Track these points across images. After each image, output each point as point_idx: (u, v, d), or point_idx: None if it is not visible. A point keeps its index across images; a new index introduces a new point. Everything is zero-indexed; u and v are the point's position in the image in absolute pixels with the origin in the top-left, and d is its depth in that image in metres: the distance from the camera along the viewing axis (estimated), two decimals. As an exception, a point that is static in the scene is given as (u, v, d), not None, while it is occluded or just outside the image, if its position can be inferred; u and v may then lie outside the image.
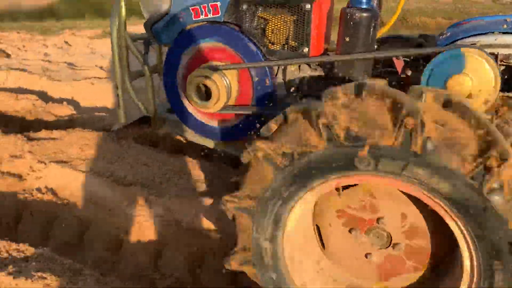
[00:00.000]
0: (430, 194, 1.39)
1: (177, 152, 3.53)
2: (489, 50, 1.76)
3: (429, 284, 1.75)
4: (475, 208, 1.33)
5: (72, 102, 5.05)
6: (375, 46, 2.04)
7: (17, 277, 2.05)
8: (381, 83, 1.54)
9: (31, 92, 5.28)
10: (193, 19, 2.19)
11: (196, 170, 3.12)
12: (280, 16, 2.04)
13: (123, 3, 2.28)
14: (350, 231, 1.81)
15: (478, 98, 1.73)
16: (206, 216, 2.62)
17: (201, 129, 2.40)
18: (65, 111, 4.62)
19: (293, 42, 2.06)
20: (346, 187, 1.76)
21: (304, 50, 2.03)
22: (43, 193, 2.98)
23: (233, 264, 1.83)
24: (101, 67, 6.49)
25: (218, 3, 2.11)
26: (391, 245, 1.75)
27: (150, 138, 3.82)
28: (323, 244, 1.91)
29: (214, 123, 2.33)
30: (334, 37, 2.07)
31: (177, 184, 2.95)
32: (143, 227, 2.65)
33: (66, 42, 8.98)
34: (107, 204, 2.80)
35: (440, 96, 1.42)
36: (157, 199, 2.75)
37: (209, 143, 2.46)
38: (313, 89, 2.20)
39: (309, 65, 2.23)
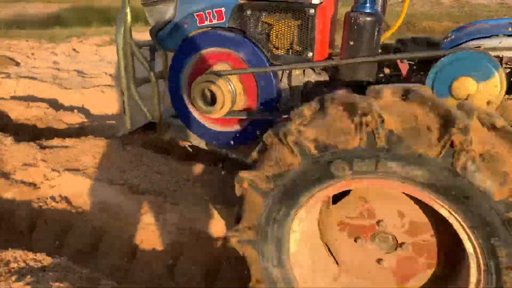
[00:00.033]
0: (411, 186, 1.41)
1: (188, 159, 3.54)
2: (493, 53, 1.76)
3: (450, 280, 1.73)
4: (455, 189, 1.34)
5: (82, 110, 5.09)
6: (379, 50, 2.04)
7: (34, 287, 2.04)
8: (341, 92, 1.58)
9: (42, 100, 5.33)
10: (198, 25, 2.21)
11: (208, 177, 3.13)
12: (284, 21, 2.05)
13: (128, 11, 2.31)
14: (355, 241, 1.81)
15: (483, 101, 1.72)
16: (221, 223, 2.62)
17: (206, 134, 2.41)
18: (76, 119, 4.65)
19: (297, 47, 2.06)
20: (339, 199, 1.78)
21: (309, 55, 2.03)
22: (57, 202, 2.97)
23: None
24: (110, 75, 6.54)
25: (223, 9, 2.12)
26: (398, 246, 1.74)
27: (162, 145, 3.84)
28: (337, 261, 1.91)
29: (219, 128, 2.34)
30: (338, 41, 2.07)
31: (190, 192, 2.95)
32: (158, 235, 2.64)
33: (74, 50, 9.07)
34: (121, 212, 2.80)
35: (398, 90, 1.46)
36: (171, 207, 2.75)
37: (214, 148, 2.47)
38: (317, 93, 2.20)
39: (313, 70, 2.23)
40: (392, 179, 1.42)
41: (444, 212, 1.42)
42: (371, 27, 1.86)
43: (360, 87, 1.82)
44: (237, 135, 2.29)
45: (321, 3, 1.97)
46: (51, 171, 3.20)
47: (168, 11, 2.28)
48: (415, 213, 1.68)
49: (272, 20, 2.08)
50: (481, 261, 1.42)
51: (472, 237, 1.39)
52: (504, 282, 1.39)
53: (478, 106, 1.47)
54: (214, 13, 2.14)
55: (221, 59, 2.19)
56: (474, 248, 1.42)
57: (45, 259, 2.28)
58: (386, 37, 2.46)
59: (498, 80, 1.69)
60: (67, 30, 12.38)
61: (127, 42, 2.36)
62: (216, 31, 2.18)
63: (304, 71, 2.22)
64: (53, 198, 3.00)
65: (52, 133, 4.28)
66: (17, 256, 2.29)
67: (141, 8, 2.40)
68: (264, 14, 2.09)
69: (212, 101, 2.14)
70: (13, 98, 5.43)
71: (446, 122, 1.31)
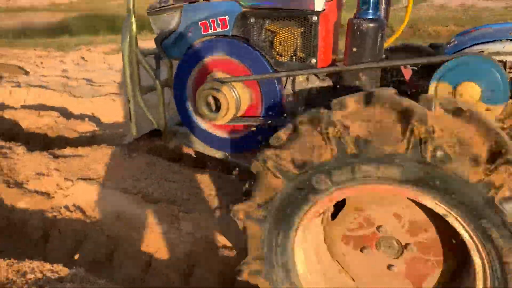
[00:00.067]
0: (390, 185, 1.44)
1: (200, 167, 3.54)
2: (497, 58, 1.75)
3: (465, 274, 1.71)
4: (431, 179, 1.36)
5: (93, 118, 5.12)
6: (383, 56, 2.05)
7: (52, 298, 2.03)
8: (303, 117, 1.61)
9: (52, 108, 5.37)
10: (202, 33, 2.23)
11: (221, 184, 3.13)
12: (287, 28, 2.07)
13: (133, 20, 2.33)
14: (362, 251, 1.81)
15: (486, 105, 1.72)
16: (237, 232, 2.62)
17: (211, 140, 2.42)
18: (87, 127, 4.66)
19: (301, 54, 2.08)
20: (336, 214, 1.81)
21: (312, 61, 2.05)
22: (71, 211, 2.96)
23: None
24: (119, 83, 6.58)
25: (226, 17, 2.15)
26: (404, 248, 1.74)
27: (172, 152, 3.85)
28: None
29: (223, 135, 2.36)
30: (341, 46, 2.08)
31: (204, 200, 2.94)
32: (173, 244, 2.63)
33: (83, 58, 9.17)
34: (136, 222, 2.79)
35: (360, 97, 1.51)
36: (186, 215, 2.75)
37: (219, 155, 2.48)
38: (321, 99, 2.21)
39: (317, 76, 2.24)
40: (371, 182, 1.46)
41: (430, 203, 1.43)
42: (374, 34, 1.87)
43: None
44: (242, 141, 2.31)
45: (323, 10, 1.98)
46: (65, 180, 3.21)
47: (173, 20, 2.31)
48: (411, 212, 1.69)
49: (275, 28, 2.10)
50: (479, 247, 1.41)
51: (464, 224, 1.40)
52: (507, 263, 1.37)
53: (438, 96, 1.53)
54: (218, 21, 2.17)
55: (225, 66, 2.21)
56: (469, 234, 1.42)
57: (62, 270, 2.27)
58: (391, 42, 2.47)
59: (501, 85, 1.68)
60: (74, 39, 12.52)
61: (133, 50, 2.38)
62: (220, 39, 2.20)
63: (307, 77, 2.23)
64: (66, 207, 2.99)
65: (63, 141, 4.30)
66: (34, 267, 2.27)
67: (146, 16, 2.43)
68: (267, 22, 2.11)
69: (217, 108, 2.16)
70: (24, 107, 5.49)
71: (406, 116, 1.35)
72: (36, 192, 3.15)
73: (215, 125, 2.35)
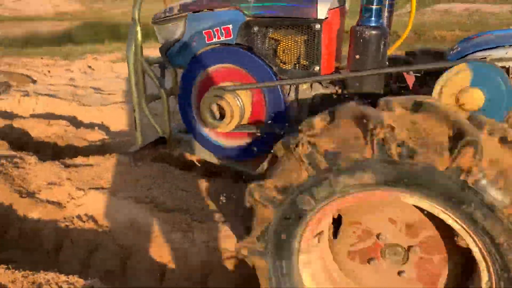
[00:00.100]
0: (372, 190, 1.46)
1: (212, 176, 3.52)
2: (500, 64, 1.76)
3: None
4: (403, 176, 1.38)
5: (102, 127, 5.12)
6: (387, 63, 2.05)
7: (69, 310, 2.03)
8: (279, 143, 1.64)
9: (61, 117, 5.38)
10: (206, 42, 2.25)
11: (233, 193, 3.12)
12: (290, 36, 2.08)
13: (139, 28, 2.36)
14: (369, 263, 1.81)
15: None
16: None
17: (216, 148, 2.44)
18: (97, 136, 4.66)
19: (304, 61, 2.09)
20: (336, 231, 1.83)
21: (315, 69, 2.06)
22: (84, 221, 2.95)
23: None
24: (126, 91, 6.58)
25: (230, 26, 2.17)
26: (408, 252, 1.74)
27: (184, 161, 3.83)
28: None
29: (228, 142, 2.37)
30: (345, 53, 2.09)
31: (217, 208, 2.94)
32: (187, 254, 2.61)
33: (90, 67, 9.23)
34: (149, 231, 2.78)
35: (325, 116, 1.56)
36: (199, 224, 2.73)
37: (224, 162, 2.49)
38: (325, 107, 2.22)
39: (321, 83, 2.25)
40: (352, 192, 1.49)
41: (413, 200, 1.45)
42: (376, 41, 1.88)
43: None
44: (246, 149, 2.32)
45: (326, 18, 2.00)
46: (76, 189, 3.20)
47: (177, 30, 2.33)
48: (404, 214, 1.69)
49: (278, 36, 2.12)
50: (471, 233, 1.41)
51: (450, 214, 1.40)
52: (500, 244, 1.36)
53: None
54: (222, 30, 2.19)
55: (229, 75, 2.23)
56: (458, 223, 1.42)
57: (78, 282, 2.27)
58: (395, 47, 2.48)
59: (504, 90, 1.69)
60: (80, 47, 12.62)
61: (138, 59, 2.41)
62: (224, 48, 2.22)
63: (311, 85, 2.24)
64: (79, 217, 2.98)
65: (73, 150, 4.30)
66: (49, 279, 2.28)
67: (151, 24, 2.46)
68: (270, 30, 2.13)
69: (221, 115, 2.17)
70: (33, 116, 5.51)
71: (365, 122, 1.39)
72: (48, 202, 3.14)
73: (219, 133, 2.36)
